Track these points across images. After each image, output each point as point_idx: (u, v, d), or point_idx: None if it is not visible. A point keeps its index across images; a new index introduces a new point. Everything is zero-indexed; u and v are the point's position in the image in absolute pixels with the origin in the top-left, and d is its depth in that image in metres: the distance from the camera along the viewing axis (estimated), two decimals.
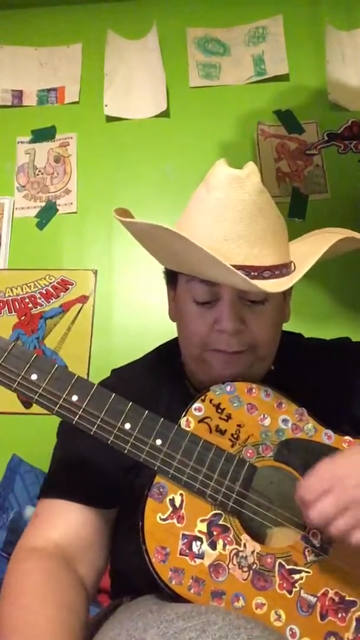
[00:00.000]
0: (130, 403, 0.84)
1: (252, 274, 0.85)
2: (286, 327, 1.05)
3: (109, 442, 0.83)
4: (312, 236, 1.05)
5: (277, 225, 0.93)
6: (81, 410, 0.83)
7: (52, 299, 2.07)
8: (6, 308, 2.07)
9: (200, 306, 0.94)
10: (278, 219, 0.95)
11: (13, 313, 2.07)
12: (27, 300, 2.08)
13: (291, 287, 1.03)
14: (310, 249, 0.92)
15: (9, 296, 2.08)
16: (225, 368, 0.94)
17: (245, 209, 0.88)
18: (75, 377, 0.84)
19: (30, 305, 2.07)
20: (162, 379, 1.05)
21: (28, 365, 0.83)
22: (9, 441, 1.88)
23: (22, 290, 2.09)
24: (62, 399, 0.82)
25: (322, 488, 0.76)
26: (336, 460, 0.80)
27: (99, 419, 0.83)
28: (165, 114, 2.20)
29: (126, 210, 0.94)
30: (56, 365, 0.84)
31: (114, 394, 0.84)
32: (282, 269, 0.89)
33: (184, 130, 2.21)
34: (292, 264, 0.93)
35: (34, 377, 0.83)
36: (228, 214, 0.88)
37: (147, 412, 0.84)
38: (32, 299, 2.08)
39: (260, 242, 0.88)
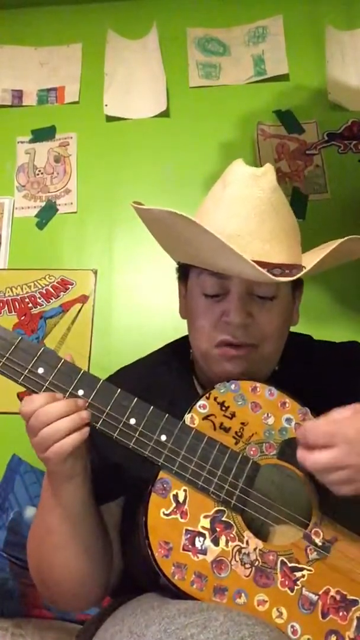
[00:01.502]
0: (136, 398, 0.85)
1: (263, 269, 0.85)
2: (292, 328, 1.05)
3: (114, 437, 0.83)
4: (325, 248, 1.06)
5: (289, 225, 0.94)
6: (87, 404, 0.83)
7: (52, 299, 2.07)
8: (6, 308, 2.07)
9: (210, 299, 0.95)
10: (291, 219, 0.96)
11: (13, 313, 2.07)
12: (27, 300, 2.07)
13: (301, 291, 1.04)
14: (321, 252, 0.92)
15: (9, 296, 2.08)
16: (230, 365, 0.94)
17: (259, 206, 0.90)
18: (82, 371, 0.85)
19: (30, 305, 2.07)
20: (169, 375, 1.06)
21: (35, 359, 0.83)
22: (9, 441, 1.87)
23: (22, 290, 2.09)
24: (68, 393, 0.83)
25: (329, 439, 0.77)
26: (353, 418, 0.79)
27: (105, 414, 0.83)
28: (165, 114, 2.20)
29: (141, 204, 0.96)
30: (63, 360, 0.84)
31: (119, 390, 0.85)
32: (292, 269, 0.89)
33: (184, 130, 2.21)
34: (303, 268, 0.93)
35: (40, 370, 0.83)
36: (242, 210, 0.90)
37: (152, 407, 0.85)
38: (32, 298, 2.08)
39: (272, 240, 0.90)
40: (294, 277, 0.87)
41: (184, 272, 1.03)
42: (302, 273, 0.87)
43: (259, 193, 0.91)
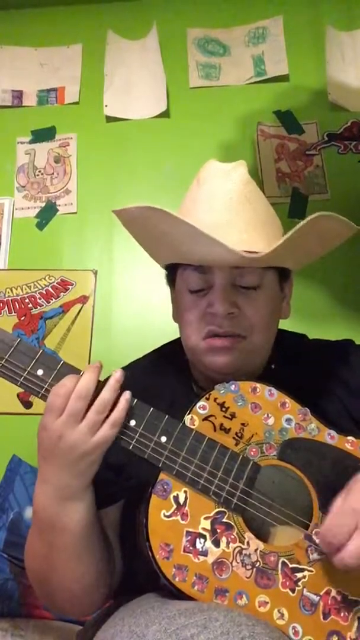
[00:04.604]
0: (136, 400, 0.85)
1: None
2: (288, 328, 1.05)
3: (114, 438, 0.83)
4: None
5: (266, 215, 0.96)
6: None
7: (52, 299, 2.07)
8: (6, 308, 2.07)
9: (195, 294, 0.96)
10: (267, 209, 0.97)
11: (13, 313, 2.07)
12: (27, 300, 2.07)
13: (291, 284, 1.04)
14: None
15: (9, 296, 2.08)
16: (218, 356, 0.94)
17: (232, 198, 0.92)
18: (81, 373, 0.84)
19: (30, 305, 2.07)
20: (166, 376, 1.06)
21: (34, 361, 0.83)
22: (9, 441, 1.87)
23: (22, 290, 2.09)
24: None
25: (348, 528, 0.74)
26: (351, 494, 0.78)
27: None
28: (165, 114, 2.20)
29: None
30: (62, 361, 0.84)
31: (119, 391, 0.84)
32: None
33: (184, 130, 2.21)
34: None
35: (39, 372, 0.83)
36: (217, 203, 0.92)
37: (152, 409, 0.85)
38: (32, 299, 2.07)
39: (250, 230, 0.91)
40: (266, 252, 0.87)
41: (172, 275, 1.05)
42: (274, 247, 0.87)
43: (231, 186, 0.93)
